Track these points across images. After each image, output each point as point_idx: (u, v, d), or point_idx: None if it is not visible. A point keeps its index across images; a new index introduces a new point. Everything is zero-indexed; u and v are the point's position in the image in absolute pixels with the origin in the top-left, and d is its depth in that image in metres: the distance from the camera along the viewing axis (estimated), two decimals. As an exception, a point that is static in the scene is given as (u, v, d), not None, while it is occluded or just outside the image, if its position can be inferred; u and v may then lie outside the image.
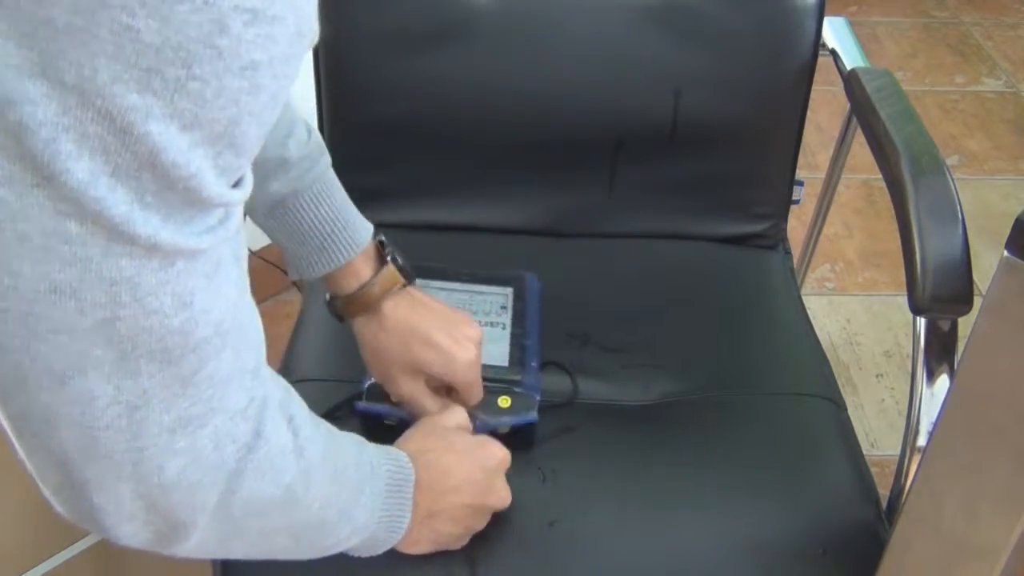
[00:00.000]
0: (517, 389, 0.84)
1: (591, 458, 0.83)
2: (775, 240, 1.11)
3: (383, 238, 0.78)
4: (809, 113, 1.07)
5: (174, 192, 0.38)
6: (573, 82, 1.03)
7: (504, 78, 1.03)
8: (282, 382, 0.56)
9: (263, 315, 0.51)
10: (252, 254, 1.49)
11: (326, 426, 0.61)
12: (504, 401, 0.83)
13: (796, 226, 1.24)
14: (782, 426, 0.88)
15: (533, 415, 0.82)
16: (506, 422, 0.81)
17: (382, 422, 0.81)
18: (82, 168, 0.36)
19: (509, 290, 0.94)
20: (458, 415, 0.77)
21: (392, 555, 0.70)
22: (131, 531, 0.48)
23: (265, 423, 0.50)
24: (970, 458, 0.57)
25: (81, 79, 0.34)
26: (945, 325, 0.81)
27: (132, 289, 0.39)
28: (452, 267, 0.95)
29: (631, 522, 0.78)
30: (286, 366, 0.92)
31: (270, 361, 0.53)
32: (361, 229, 0.77)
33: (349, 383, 0.84)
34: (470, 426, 0.78)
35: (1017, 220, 0.49)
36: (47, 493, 0.46)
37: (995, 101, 2.40)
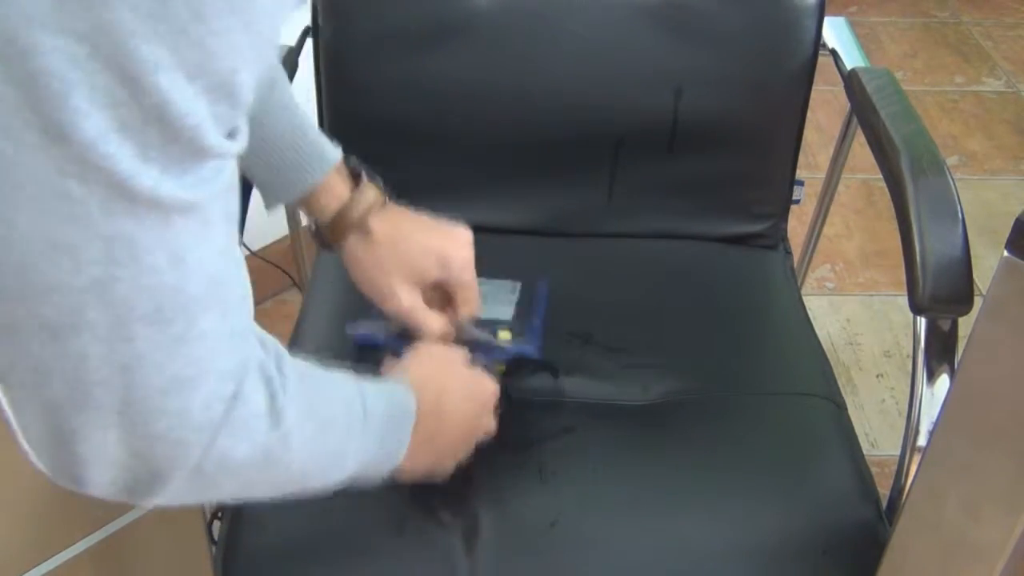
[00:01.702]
0: (518, 331, 0.85)
1: (591, 459, 0.83)
2: (775, 240, 1.11)
3: (357, 162, 0.78)
4: (809, 113, 1.07)
5: (177, 144, 0.39)
6: (573, 82, 1.03)
7: (504, 78, 1.03)
8: (270, 341, 0.54)
9: (263, 315, 0.50)
10: (252, 254, 1.49)
11: (317, 374, 0.59)
12: (505, 333, 0.84)
13: (796, 226, 1.24)
14: (782, 426, 0.88)
15: (531, 348, 0.83)
16: (504, 351, 0.82)
17: (378, 356, 0.78)
18: (92, 125, 0.36)
19: (519, 284, 0.95)
20: (456, 350, 0.77)
21: (393, 554, 0.70)
22: (108, 479, 0.47)
23: (244, 384, 0.49)
24: (970, 458, 0.57)
25: (98, 32, 0.35)
26: (945, 325, 0.81)
27: (130, 246, 0.39)
28: None
29: (632, 522, 0.78)
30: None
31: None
32: (329, 147, 0.77)
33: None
34: (467, 358, 0.77)
35: (1017, 220, 0.49)
36: (27, 447, 0.46)
37: (995, 101, 2.40)
